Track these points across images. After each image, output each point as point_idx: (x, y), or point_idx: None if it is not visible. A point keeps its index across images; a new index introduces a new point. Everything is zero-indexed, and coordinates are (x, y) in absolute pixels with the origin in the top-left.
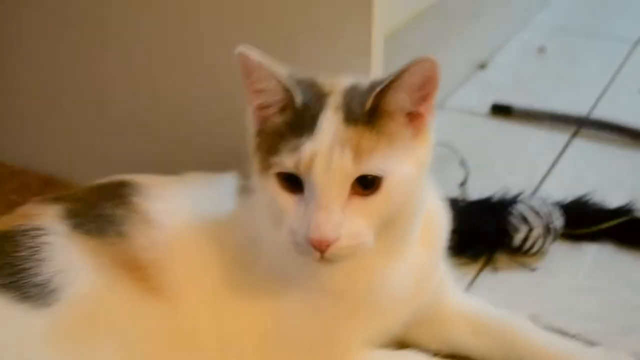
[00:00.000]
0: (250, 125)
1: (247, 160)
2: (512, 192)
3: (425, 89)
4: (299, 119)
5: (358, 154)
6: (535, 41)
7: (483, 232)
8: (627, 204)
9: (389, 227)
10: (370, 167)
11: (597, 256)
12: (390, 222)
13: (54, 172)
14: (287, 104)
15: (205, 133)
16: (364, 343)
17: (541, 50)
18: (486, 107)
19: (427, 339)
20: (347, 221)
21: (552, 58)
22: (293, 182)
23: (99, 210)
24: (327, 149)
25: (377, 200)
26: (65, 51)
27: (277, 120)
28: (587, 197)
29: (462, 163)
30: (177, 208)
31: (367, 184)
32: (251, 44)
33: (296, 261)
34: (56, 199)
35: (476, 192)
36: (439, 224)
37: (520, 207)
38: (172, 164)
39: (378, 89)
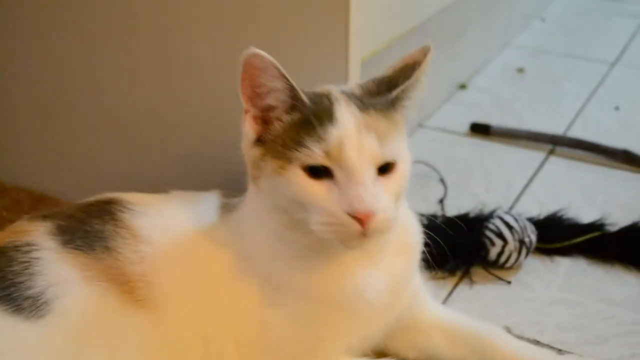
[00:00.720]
0: (250, 133)
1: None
2: (489, 209)
3: None
4: (312, 113)
5: (380, 138)
6: (515, 63)
7: (460, 246)
8: (598, 220)
9: None
10: (391, 152)
11: (569, 270)
12: None
13: (45, 189)
14: (295, 104)
15: (197, 149)
16: (346, 351)
17: (520, 71)
18: (466, 126)
19: (404, 348)
20: (380, 195)
21: (530, 79)
22: (316, 173)
23: (88, 226)
24: (355, 132)
25: (393, 181)
26: (57, 70)
27: (286, 119)
28: (561, 213)
29: (442, 180)
30: (163, 224)
31: (383, 167)
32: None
33: (287, 267)
34: (46, 216)
35: (454, 208)
36: (413, 234)
37: (495, 222)
38: (162, 181)
39: (405, 84)
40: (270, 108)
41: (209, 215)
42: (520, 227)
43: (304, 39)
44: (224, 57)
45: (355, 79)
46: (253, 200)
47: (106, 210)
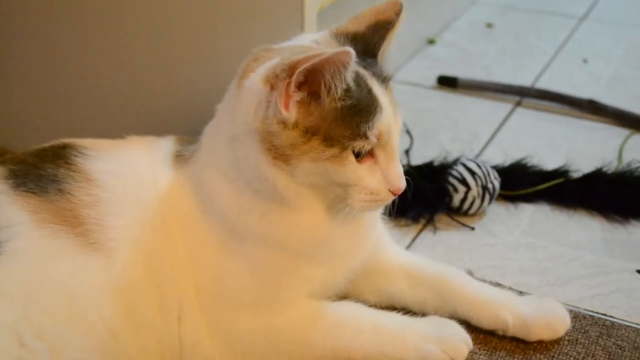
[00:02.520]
0: (291, 117)
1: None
2: (454, 157)
3: None
4: (361, 99)
5: (398, 113)
6: (484, 18)
7: (423, 193)
8: (562, 167)
9: None
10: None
11: (533, 215)
12: None
13: (6, 145)
14: (347, 90)
15: (163, 112)
16: (308, 296)
17: (489, 26)
18: (433, 80)
19: (366, 292)
20: None
21: (499, 34)
22: (358, 154)
23: (41, 170)
24: (392, 116)
25: None
26: (20, 27)
27: (337, 106)
28: (525, 161)
29: (407, 132)
30: (117, 169)
31: None
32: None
33: (261, 222)
34: (0, 162)
35: (421, 158)
36: None
37: (458, 169)
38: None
39: (384, 47)
40: (319, 94)
41: (163, 161)
42: (484, 173)
43: None
44: (184, 18)
45: (312, 28)
46: (225, 160)
47: (60, 155)
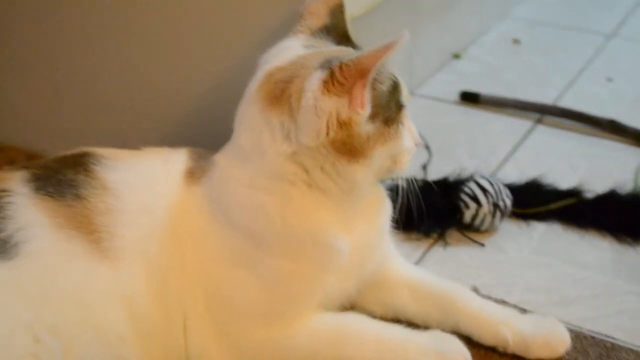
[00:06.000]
0: (366, 111)
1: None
2: (469, 174)
3: None
4: (392, 75)
5: None
6: (512, 34)
7: (435, 209)
8: (575, 187)
9: None
10: None
11: (544, 234)
12: None
13: (38, 148)
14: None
15: (180, 111)
16: (317, 307)
17: (516, 42)
18: (456, 95)
19: (372, 304)
20: None
21: (525, 50)
22: None
23: (61, 175)
24: None
25: None
26: (52, 37)
27: (387, 87)
28: (540, 179)
29: (427, 147)
30: (131, 179)
31: None
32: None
33: (300, 219)
34: (24, 167)
35: (439, 174)
36: (384, 195)
37: (470, 186)
38: (149, 143)
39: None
40: (374, 82)
41: (176, 176)
42: (495, 191)
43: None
44: (214, 25)
45: None
46: (268, 176)
47: (80, 162)
